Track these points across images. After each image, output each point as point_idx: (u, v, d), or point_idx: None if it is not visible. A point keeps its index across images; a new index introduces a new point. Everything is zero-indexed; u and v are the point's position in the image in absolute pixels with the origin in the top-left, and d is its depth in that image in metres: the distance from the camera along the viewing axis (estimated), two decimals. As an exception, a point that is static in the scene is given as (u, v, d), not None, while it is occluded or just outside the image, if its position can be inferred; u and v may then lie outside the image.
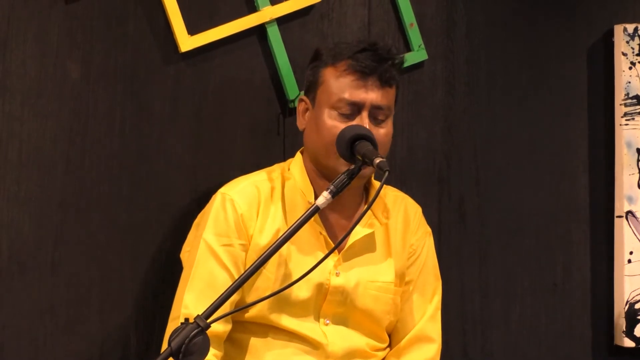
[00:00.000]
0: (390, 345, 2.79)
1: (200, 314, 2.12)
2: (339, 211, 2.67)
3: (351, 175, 2.40)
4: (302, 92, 2.75)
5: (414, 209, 2.81)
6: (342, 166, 2.52)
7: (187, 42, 2.83)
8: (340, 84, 2.62)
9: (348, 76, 2.61)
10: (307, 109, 2.69)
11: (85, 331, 2.78)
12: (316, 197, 2.60)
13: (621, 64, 3.24)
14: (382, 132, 2.62)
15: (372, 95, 2.61)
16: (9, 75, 2.69)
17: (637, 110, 3.26)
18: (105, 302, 2.80)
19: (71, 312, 2.76)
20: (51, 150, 2.74)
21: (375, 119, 2.62)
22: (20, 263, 2.71)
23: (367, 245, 2.70)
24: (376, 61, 2.61)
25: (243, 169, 2.80)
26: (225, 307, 2.33)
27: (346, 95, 2.60)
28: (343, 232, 2.65)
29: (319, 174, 2.67)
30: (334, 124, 2.60)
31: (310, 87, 2.68)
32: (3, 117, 2.69)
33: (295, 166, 2.70)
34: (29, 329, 2.72)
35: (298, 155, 2.73)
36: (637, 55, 3.25)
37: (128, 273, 2.82)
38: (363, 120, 2.59)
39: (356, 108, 2.61)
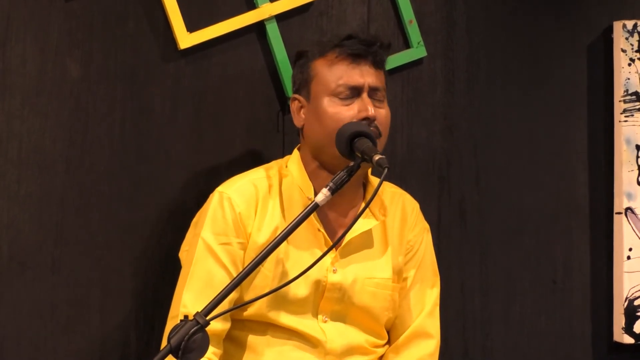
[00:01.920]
0: (389, 342, 2.79)
1: (199, 311, 2.12)
2: (336, 208, 2.67)
3: (350, 172, 2.39)
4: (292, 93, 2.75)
5: (412, 205, 2.81)
6: None
7: (186, 39, 2.84)
8: (335, 71, 2.63)
9: (341, 62, 2.63)
10: (301, 107, 2.69)
11: (85, 331, 2.77)
12: (316, 193, 2.61)
13: (620, 60, 3.24)
14: (383, 113, 2.64)
15: (368, 78, 2.62)
16: (8, 74, 2.69)
17: (637, 107, 3.26)
18: (105, 302, 2.79)
19: (71, 312, 2.76)
20: (51, 149, 2.73)
21: (374, 100, 2.63)
22: (21, 262, 2.71)
23: (365, 242, 2.69)
24: (365, 45, 2.64)
25: (243, 166, 2.79)
26: (224, 305, 2.32)
27: (344, 80, 2.62)
28: (341, 229, 2.66)
29: (321, 168, 2.66)
30: (336, 109, 2.61)
31: (302, 84, 2.68)
32: (3, 115, 2.69)
33: (293, 163, 2.70)
34: (29, 329, 2.72)
35: (295, 152, 2.72)
36: (637, 51, 3.25)
37: (128, 272, 2.82)
38: (364, 101, 2.60)
39: (356, 91, 2.62)
